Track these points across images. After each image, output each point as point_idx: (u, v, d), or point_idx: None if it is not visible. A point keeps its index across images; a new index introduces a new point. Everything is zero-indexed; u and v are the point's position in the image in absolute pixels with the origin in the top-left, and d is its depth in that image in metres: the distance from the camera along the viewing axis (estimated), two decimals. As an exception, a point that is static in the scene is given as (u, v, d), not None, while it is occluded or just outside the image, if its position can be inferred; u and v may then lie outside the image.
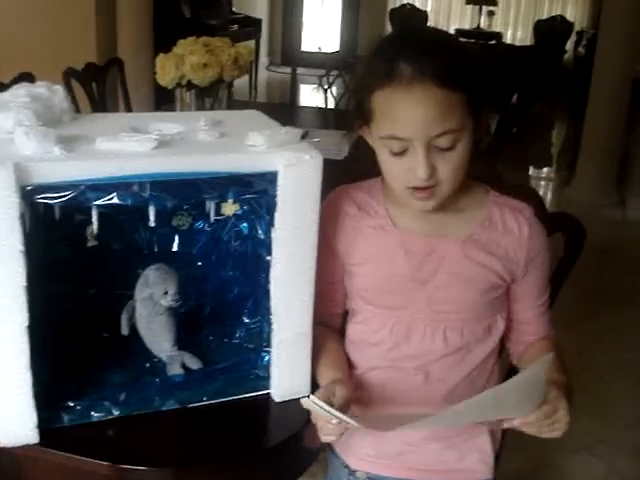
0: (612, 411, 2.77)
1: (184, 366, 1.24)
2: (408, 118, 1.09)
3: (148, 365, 1.25)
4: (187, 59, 2.23)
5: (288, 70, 7.44)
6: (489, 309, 1.24)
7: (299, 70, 7.14)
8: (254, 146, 1.10)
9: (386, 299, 1.24)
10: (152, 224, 1.08)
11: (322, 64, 6.12)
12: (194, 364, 1.25)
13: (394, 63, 1.08)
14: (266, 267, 1.17)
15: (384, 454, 1.29)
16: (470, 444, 1.30)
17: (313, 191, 1.10)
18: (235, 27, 7.96)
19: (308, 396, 1.03)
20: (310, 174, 1.09)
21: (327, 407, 1.00)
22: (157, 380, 1.21)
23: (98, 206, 1.01)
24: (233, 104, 2.74)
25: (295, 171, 1.08)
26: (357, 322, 1.29)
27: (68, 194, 0.98)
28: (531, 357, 1.27)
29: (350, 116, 1.22)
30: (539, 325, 1.30)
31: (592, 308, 3.57)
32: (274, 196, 1.09)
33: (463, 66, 1.10)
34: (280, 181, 1.08)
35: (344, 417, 1.01)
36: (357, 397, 1.23)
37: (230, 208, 1.18)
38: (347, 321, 1.32)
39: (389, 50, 1.13)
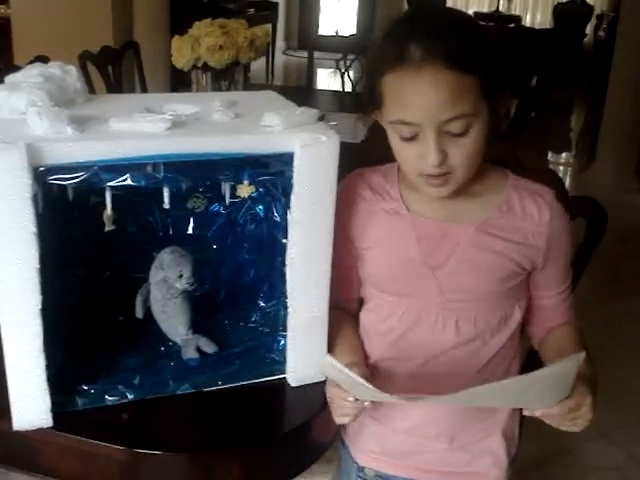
0: (629, 398, 2.75)
1: (199, 350, 1.23)
2: (417, 102, 1.05)
3: (163, 349, 1.24)
4: (203, 41, 2.21)
5: (305, 54, 7.39)
6: (505, 298, 1.20)
7: (316, 54, 7.09)
8: (270, 126, 1.08)
9: (395, 285, 1.20)
10: (166, 206, 1.06)
11: (339, 48, 6.08)
12: (209, 348, 1.24)
13: (404, 45, 1.05)
14: (282, 250, 1.15)
15: (390, 452, 1.27)
16: (482, 446, 1.26)
17: (330, 172, 1.08)
18: (252, 11, 7.94)
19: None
20: (326, 155, 1.07)
21: (346, 370, 0.98)
22: (172, 364, 1.21)
23: (111, 187, 1.00)
24: (249, 87, 2.73)
25: (311, 152, 1.06)
26: (368, 309, 1.26)
27: (81, 175, 0.96)
28: (555, 345, 1.24)
29: (363, 99, 1.20)
30: (561, 311, 1.26)
31: (609, 294, 3.53)
32: (290, 177, 1.08)
33: (476, 48, 1.06)
34: (296, 162, 1.06)
35: (363, 382, 0.98)
36: None
37: (245, 190, 1.15)
38: (361, 310, 1.29)
39: (400, 31, 1.09)
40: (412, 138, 1.08)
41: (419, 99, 1.05)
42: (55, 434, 1.06)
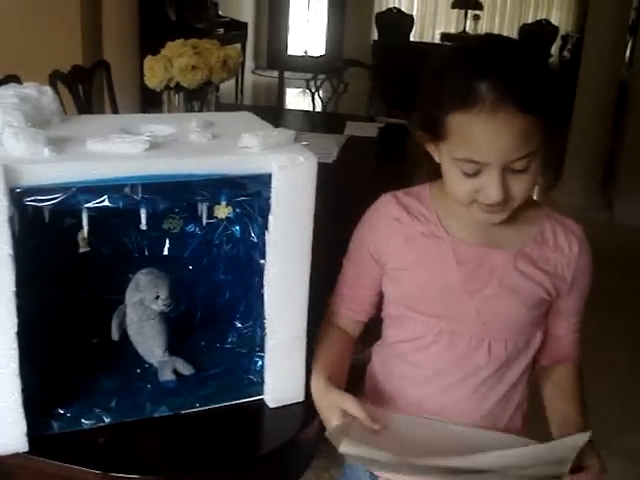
0: (600, 414, 2.77)
1: (176, 372, 1.22)
2: (488, 145, 1.05)
3: (139, 371, 1.23)
4: (175, 61, 2.21)
5: (274, 74, 7.44)
6: (532, 324, 1.22)
7: (285, 74, 7.12)
8: (248, 147, 1.08)
9: (432, 307, 1.20)
10: (144, 227, 1.05)
11: (308, 68, 6.12)
12: (186, 370, 1.23)
13: (474, 85, 1.02)
14: (259, 271, 1.15)
15: None
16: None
17: (307, 192, 1.09)
18: (221, 30, 7.94)
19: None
20: (304, 175, 1.08)
21: (366, 452, 1.01)
22: (149, 386, 1.19)
23: (89, 209, 0.99)
24: (220, 107, 2.73)
25: (289, 173, 1.06)
26: (397, 329, 1.26)
27: (58, 196, 0.96)
28: (556, 384, 1.27)
29: (413, 126, 1.18)
30: (569, 342, 1.29)
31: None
32: (267, 198, 1.08)
33: (546, 90, 1.06)
34: (274, 183, 1.06)
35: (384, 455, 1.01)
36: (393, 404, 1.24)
37: (223, 211, 1.16)
38: (384, 327, 1.29)
39: (469, 67, 1.06)
40: (475, 174, 1.08)
41: (490, 142, 1.04)
42: (31, 459, 1.04)
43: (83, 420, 1.10)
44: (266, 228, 1.10)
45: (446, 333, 1.20)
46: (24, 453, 1.04)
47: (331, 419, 1.10)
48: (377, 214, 1.23)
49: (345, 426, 1.07)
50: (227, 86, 7.72)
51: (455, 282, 1.18)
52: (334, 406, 1.11)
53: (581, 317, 1.29)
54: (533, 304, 1.19)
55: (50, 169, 0.96)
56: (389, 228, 1.22)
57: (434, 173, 1.19)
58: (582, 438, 1.02)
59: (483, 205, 1.11)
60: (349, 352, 1.27)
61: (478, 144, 1.05)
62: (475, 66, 1.06)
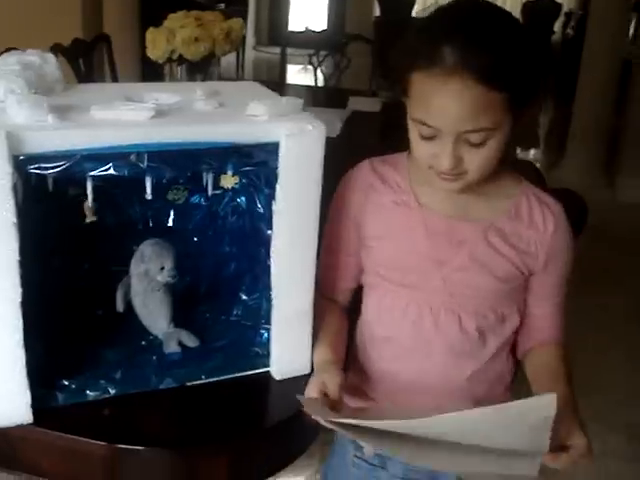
0: (602, 389, 2.77)
1: (181, 344, 1.21)
2: (440, 109, 1.04)
3: (144, 343, 1.22)
4: (178, 33, 2.18)
5: (275, 50, 7.37)
6: (504, 298, 1.21)
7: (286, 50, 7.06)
8: (255, 116, 1.06)
9: (401, 276, 1.20)
10: (149, 196, 1.04)
11: (309, 44, 6.05)
12: (191, 342, 1.22)
13: (438, 47, 1.01)
14: (265, 242, 1.14)
15: None
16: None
17: (315, 162, 1.07)
18: (222, 6, 7.87)
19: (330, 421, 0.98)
20: (312, 144, 1.06)
21: (348, 421, 0.97)
22: (154, 358, 1.18)
23: (94, 177, 0.97)
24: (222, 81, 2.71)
25: (297, 141, 1.05)
26: (371, 298, 1.26)
27: (63, 164, 0.94)
28: (541, 365, 1.24)
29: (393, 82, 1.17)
30: (550, 325, 1.27)
31: (583, 287, 3.56)
32: (275, 168, 1.06)
33: (510, 65, 1.02)
34: (282, 151, 1.04)
35: (364, 423, 0.97)
36: (367, 378, 1.24)
37: (229, 180, 1.14)
38: (363, 296, 1.28)
39: (437, 29, 1.06)
40: (430, 138, 1.08)
41: (442, 107, 1.03)
42: (35, 430, 1.04)
43: (88, 392, 1.09)
44: (273, 198, 1.09)
45: (415, 303, 1.19)
46: (28, 425, 1.03)
47: (310, 391, 1.08)
48: (353, 180, 1.21)
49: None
50: (228, 62, 7.65)
51: (423, 252, 1.17)
52: (321, 380, 1.09)
53: (562, 299, 1.27)
54: (503, 278, 1.18)
55: (54, 136, 0.94)
56: (364, 195, 1.21)
57: None
58: (548, 399, 0.92)
59: (438, 172, 1.10)
60: (341, 322, 1.26)
61: (431, 107, 1.05)
62: (444, 29, 1.05)
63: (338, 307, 1.28)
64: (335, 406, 1.05)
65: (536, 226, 1.18)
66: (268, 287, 1.15)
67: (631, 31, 6.20)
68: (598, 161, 5.22)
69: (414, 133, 1.11)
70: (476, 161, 1.08)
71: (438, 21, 1.09)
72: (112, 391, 1.10)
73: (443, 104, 1.03)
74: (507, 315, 1.22)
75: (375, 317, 1.25)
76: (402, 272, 1.20)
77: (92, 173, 0.96)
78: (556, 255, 1.20)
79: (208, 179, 1.16)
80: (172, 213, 1.34)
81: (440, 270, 1.17)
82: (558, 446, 1.01)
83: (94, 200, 1.02)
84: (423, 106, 1.06)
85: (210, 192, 1.19)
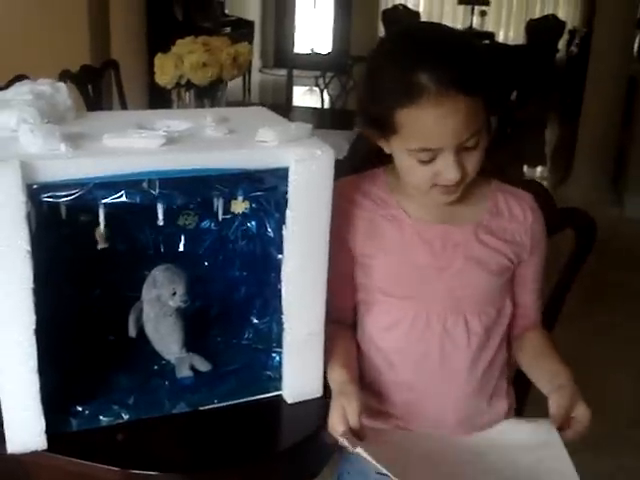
0: (614, 407, 2.75)
1: (193, 368, 1.22)
2: (440, 131, 1.09)
3: (157, 368, 1.23)
4: (186, 58, 2.20)
5: (281, 72, 7.41)
6: (499, 292, 1.26)
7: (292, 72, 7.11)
8: (265, 142, 1.07)
9: (403, 289, 1.23)
10: (160, 222, 1.05)
11: (315, 66, 6.10)
12: (203, 366, 1.22)
13: (415, 78, 1.06)
14: (275, 266, 1.14)
15: None
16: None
17: (325, 186, 1.08)
18: (228, 29, 7.94)
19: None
20: (322, 169, 1.07)
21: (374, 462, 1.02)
22: (166, 383, 1.19)
23: (106, 204, 0.98)
24: (230, 105, 2.72)
25: (307, 166, 1.06)
26: (372, 314, 1.26)
27: (75, 192, 0.95)
28: (533, 347, 1.31)
29: (358, 123, 1.23)
30: (534, 310, 1.34)
31: (591, 305, 3.55)
32: (284, 192, 1.07)
33: (481, 69, 1.10)
34: (292, 176, 1.06)
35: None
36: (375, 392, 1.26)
37: (240, 206, 1.15)
38: (361, 314, 1.29)
39: (405, 62, 1.10)
40: (430, 160, 1.12)
41: (442, 128, 1.09)
42: (50, 456, 1.04)
43: (101, 417, 1.10)
44: (283, 223, 1.09)
45: (422, 313, 1.22)
46: (43, 451, 1.04)
47: (334, 422, 1.08)
48: (337, 200, 1.19)
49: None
50: (234, 85, 7.71)
51: (424, 262, 1.21)
52: (340, 406, 1.09)
53: (542, 284, 1.34)
54: (498, 272, 1.23)
55: (67, 165, 0.96)
56: (352, 214, 1.23)
57: (386, 157, 1.22)
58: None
59: (442, 187, 1.16)
60: (350, 342, 1.28)
61: (430, 133, 1.09)
62: (411, 59, 1.10)
63: (345, 327, 1.29)
64: (357, 434, 1.07)
65: (517, 218, 1.26)
66: (279, 311, 1.15)
67: (636, 48, 6.20)
68: (605, 178, 5.21)
69: (410, 162, 1.15)
70: (473, 162, 1.14)
71: (402, 52, 1.12)
72: (125, 416, 1.11)
73: (441, 125, 1.08)
74: (503, 308, 1.27)
75: (380, 332, 1.26)
76: (405, 286, 1.23)
77: (104, 200, 0.97)
78: (539, 240, 1.27)
79: (219, 204, 1.17)
80: (183, 238, 1.35)
81: (441, 276, 1.21)
82: (564, 418, 1.13)
83: (106, 226, 1.03)
84: (419, 134, 1.10)
85: (220, 217, 1.20)
